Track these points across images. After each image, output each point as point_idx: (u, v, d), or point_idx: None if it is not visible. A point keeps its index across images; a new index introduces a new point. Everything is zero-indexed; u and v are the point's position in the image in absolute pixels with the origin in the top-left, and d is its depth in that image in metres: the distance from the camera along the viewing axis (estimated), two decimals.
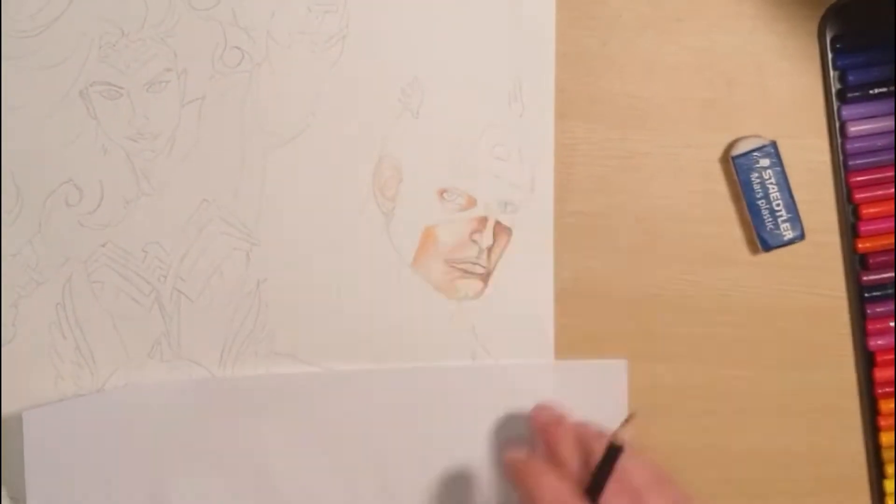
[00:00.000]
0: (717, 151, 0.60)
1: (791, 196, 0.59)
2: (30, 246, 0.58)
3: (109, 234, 0.58)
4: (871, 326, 0.61)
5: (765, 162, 0.59)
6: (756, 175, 0.59)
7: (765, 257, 0.61)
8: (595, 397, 0.56)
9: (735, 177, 0.59)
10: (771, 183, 0.59)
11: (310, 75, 0.58)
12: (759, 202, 0.59)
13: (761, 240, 0.60)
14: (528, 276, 0.59)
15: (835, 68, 0.60)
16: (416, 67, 0.58)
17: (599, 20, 0.59)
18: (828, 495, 0.63)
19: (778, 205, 0.59)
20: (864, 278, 0.61)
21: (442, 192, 0.59)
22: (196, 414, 0.58)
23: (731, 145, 0.60)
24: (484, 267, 0.59)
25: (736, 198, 0.60)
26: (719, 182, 0.60)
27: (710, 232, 0.61)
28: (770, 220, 0.59)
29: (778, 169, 0.59)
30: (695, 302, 0.61)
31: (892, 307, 0.61)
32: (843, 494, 0.63)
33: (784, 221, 0.59)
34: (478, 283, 0.59)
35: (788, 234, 0.60)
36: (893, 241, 0.61)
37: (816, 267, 0.61)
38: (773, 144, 0.59)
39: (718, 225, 0.61)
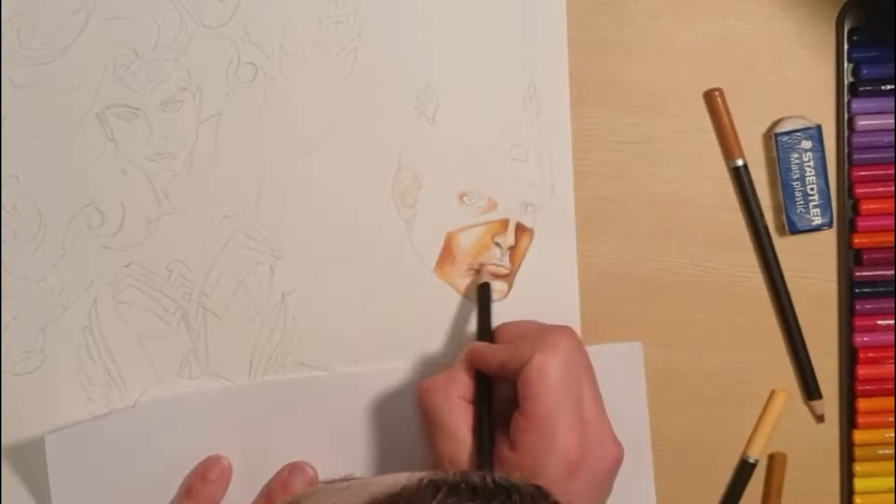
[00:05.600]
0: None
1: (826, 183, 0.59)
2: (54, 271, 0.58)
3: (133, 255, 0.58)
4: (858, 322, 0.61)
5: (807, 144, 0.59)
6: (796, 156, 0.59)
7: (781, 244, 0.60)
8: (612, 381, 0.55)
9: (774, 154, 0.59)
10: (809, 166, 0.59)
11: (324, 87, 0.58)
12: (794, 183, 0.59)
13: (789, 221, 0.59)
14: (552, 275, 0.59)
15: (849, 61, 0.60)
16: (430, 73, 0.58)
17: (616, 5, 0.59)
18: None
19: (812, 189, 0.59)
20: (857, 273, 0.61)
21: (462, 197, 0.59)
22: (218, 423, 0.59)
23: (775, 123, 0.59)
24: (507, 268, 0.59)
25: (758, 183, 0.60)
26: None
27: (726, 218, 0.60)
28: (802, 202, 0.59)
29: (819, 154, 0.59)
30: (711, 287, 0.61)
31: (881, 305, 0.61)
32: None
33: (815, 206, 0.59)
34: (502, 285, 0.59)
35: (817, 220, 0.59)
36: (891, 238, 0.60)
37: (832, 255, 0.61)
38: (818, 129, 0.59)
39: (735, 211, 0.60)
